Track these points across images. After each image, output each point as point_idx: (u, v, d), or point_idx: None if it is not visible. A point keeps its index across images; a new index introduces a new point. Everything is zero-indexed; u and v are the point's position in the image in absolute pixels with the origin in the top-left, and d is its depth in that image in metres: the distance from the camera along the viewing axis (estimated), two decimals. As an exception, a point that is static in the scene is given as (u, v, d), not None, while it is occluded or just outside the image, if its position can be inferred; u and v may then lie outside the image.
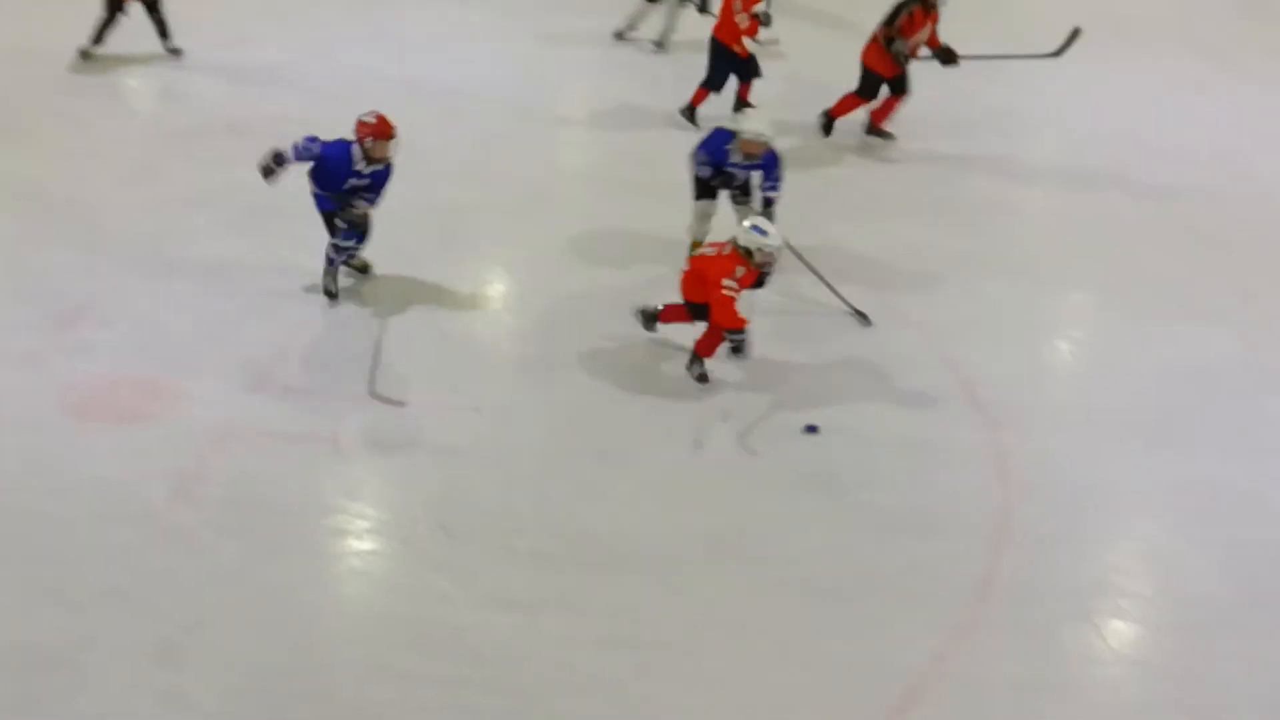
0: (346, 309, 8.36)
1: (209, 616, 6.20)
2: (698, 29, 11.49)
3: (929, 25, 10.45)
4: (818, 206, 9.57)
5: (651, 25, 12.31)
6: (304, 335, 8.16)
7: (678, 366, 7.97)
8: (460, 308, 8.51)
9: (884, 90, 10.70)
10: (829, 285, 8.47)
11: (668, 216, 9.09)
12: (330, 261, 8.37)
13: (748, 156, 8.50)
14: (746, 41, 10.67)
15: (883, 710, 5.93)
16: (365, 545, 6.79)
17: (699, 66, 10.92)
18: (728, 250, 7.67)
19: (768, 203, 8.58)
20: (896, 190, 10.33)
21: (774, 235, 7.64)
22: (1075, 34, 10.57)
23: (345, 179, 8.07)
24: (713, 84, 10.91)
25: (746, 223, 7.74)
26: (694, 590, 6.52)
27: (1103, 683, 6.24)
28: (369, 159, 8.02)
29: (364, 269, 8.64)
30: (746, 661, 6.14)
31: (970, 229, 9.83)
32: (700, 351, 7.87)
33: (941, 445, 7.53)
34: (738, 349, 7.79)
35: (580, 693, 5.93)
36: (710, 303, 7.67)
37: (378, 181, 8.14)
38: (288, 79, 11.31)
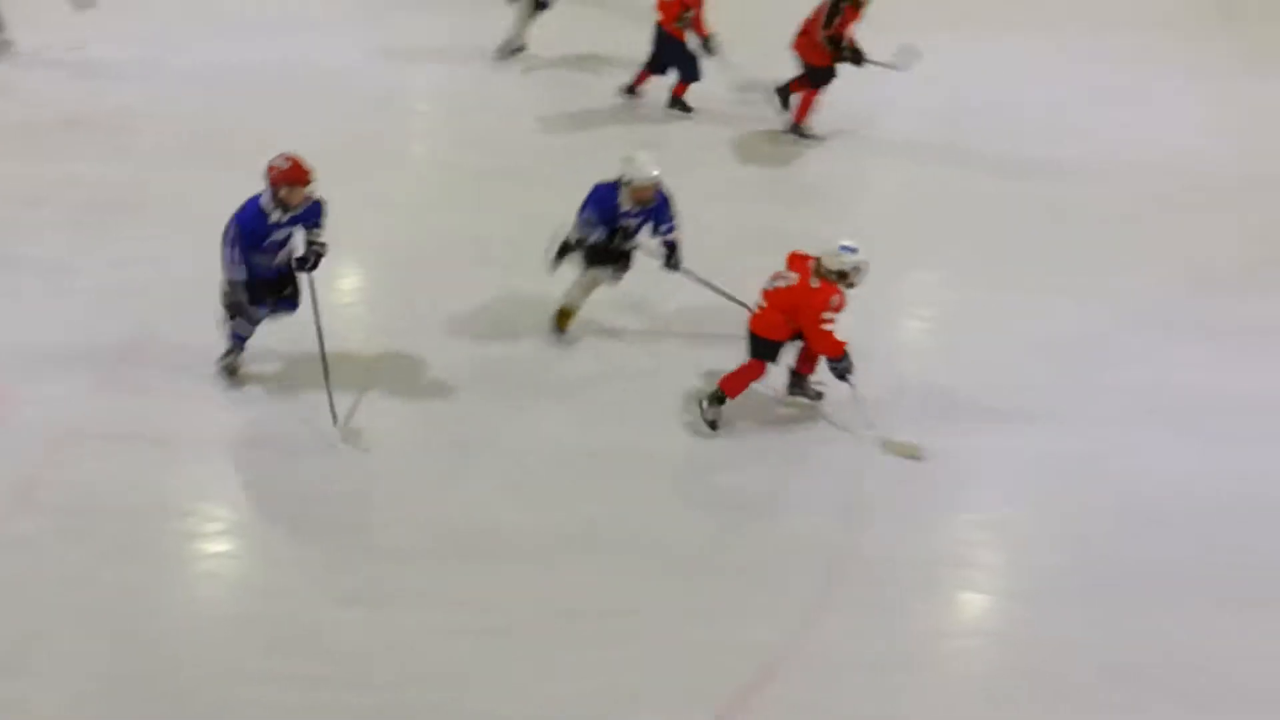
0: (193, 306, 8.14)
1: (53, 624, 6.05)
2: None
3: (853, 23, 10.64)
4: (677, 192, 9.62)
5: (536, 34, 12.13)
6: (148, 333, 7.93)
7: (533, 358, 7.96)
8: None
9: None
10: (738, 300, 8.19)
11: (525, 204, 9.03)
12: (240, 340, 7.51)
13: (641, 203, 7.85)
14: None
15: (738, 689, 5.98)
16: (217, 547, 6.68)
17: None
18: (816, 281, 7.31)
19: (671, 246, 8.03)
20: (756, 174, 10.40)
21: (860, 248, 7.36)
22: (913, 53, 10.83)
23: (266, 237, 7.14)
24: (685, 73, 10.88)
25: (831, 246, 7.34)
26: (548, 578, 6.53)
27: (953, 654, 6.38)
28: (285, 206, 7.11)
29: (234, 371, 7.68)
30: (601, 646, 6.16)
31: (827, 210, 9.92)
32: (728, 389, 7.55)
33: (796, 426, 7.64)
34: (846, 372, 7.44)
35: (435, 685, 5.91)
36: (809, 336, 7.42)
37: (309, 219, 7.25)
38: (127, 70, 10.99)
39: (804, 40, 10.68)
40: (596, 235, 7.89)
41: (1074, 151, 10.85)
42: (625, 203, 7.85)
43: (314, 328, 7.34)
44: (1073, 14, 13.15)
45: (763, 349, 7.51)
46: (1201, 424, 7.69)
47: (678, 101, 11.04)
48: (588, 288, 8.15)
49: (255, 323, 7.44)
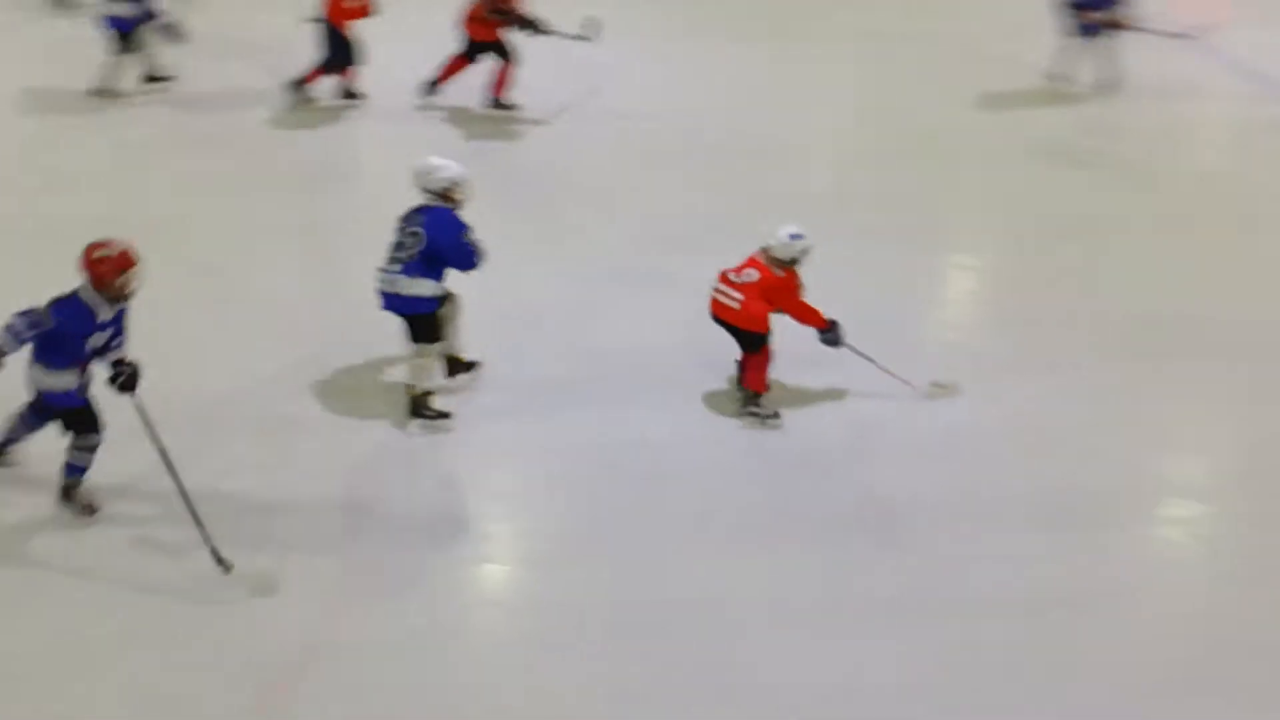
0: None
1: None
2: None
3: None
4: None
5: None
6: None
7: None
8: None
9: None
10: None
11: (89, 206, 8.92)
12: (78, 470, 6.75)
13: (460, 203, 7.63)
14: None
15: (266, 694, 6.00)
16: None
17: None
18: (780, 271, 7.78)
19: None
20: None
21: (805, 231, 7.80)
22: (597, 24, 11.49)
23: (88, 338, 6.43)
24: (331, 66, 11.31)
25: (780, 236, 7.78)
26: (46, 610, 6.39)
27: (477, 626, 6.63)
28: (116, 299, 6.44)
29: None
30: (117, 675, 6.05)
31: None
32: (757, 387, 7.91)
33: (297, 418, 7.76)
34: (838, 341, 7.99)
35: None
36: (797, 317, 7.86)
37: (121, 324, 6.61)
38: None
39: (474, 21, 11.26)
40: (475, 262, 7.60)
41: (548, 123, 11.59)
42: (460, 207, 7.59)
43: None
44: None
45: (756, 340, 7.84)
46: (679, 378, 8.23)
47: (298, 87, 11.47)
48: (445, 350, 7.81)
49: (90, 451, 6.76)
